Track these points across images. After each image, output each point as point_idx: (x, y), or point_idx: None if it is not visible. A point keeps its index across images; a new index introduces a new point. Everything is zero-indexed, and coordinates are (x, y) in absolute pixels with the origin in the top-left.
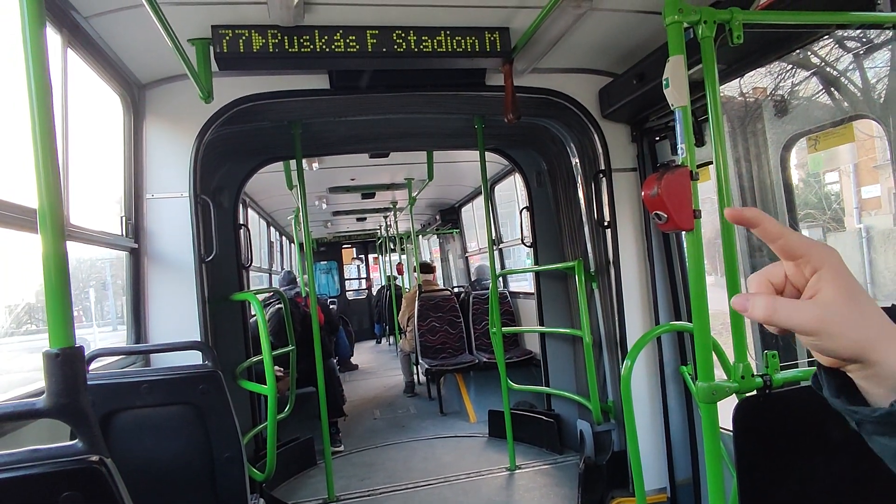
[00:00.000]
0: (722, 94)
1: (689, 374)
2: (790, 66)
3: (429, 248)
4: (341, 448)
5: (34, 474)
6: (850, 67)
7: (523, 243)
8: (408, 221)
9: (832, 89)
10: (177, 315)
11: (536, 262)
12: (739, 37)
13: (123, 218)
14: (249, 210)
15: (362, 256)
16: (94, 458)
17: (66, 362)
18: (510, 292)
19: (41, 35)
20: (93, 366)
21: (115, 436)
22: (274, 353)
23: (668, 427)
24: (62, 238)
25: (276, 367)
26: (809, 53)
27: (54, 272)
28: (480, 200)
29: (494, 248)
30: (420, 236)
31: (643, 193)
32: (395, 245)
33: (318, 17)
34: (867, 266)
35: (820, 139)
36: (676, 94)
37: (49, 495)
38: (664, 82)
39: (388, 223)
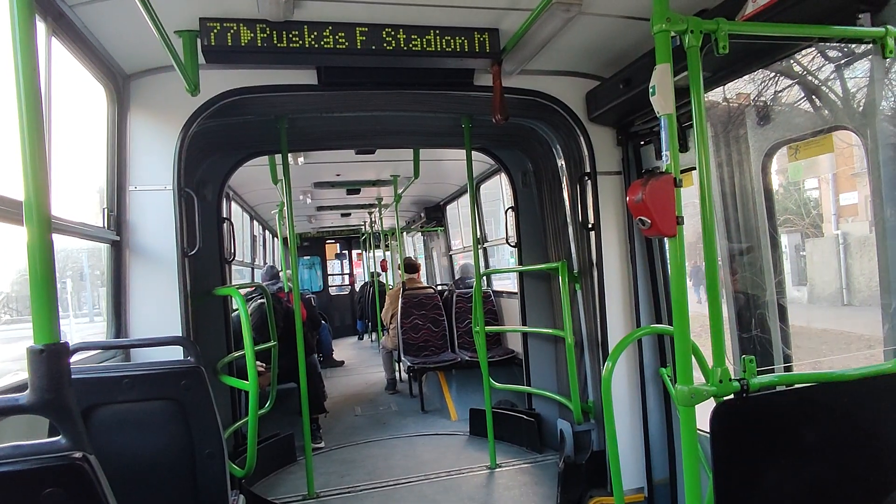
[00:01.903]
0: (706, 100)
1: (669, 377)
2: (773, 74)
3: (413, 246)
4: (322, 444)
5: (17, 470)
6: (831, 77)
7: (508, 243)
8: (392, 218)
9: (813, 98)
10: (158, 309)
11: (520, 262)
12: (725, 47)
13: (105, 210)
14: (233, 203)
15: (345, 253)
16: (78, 454)
17: (51, 358)
18: (494, 291)
19: (31, 24)
20: (72, 359)
21: (95, 431)
22: (256, 348)
23: (646, 427)
24: (48, 231)
25: (258, 363)
26: (792, 62)
27: (40, 266)
28: (465, 199)
29: (479, 246)
30: (404, 233)
31: (628, 199)
32: (379, 242)
33: (308, 12)
34: (843, 271)
35: (800, 148)
36: (663, 101)
37: (31, 491)
38: (651, 90)
39: (373, 220)
